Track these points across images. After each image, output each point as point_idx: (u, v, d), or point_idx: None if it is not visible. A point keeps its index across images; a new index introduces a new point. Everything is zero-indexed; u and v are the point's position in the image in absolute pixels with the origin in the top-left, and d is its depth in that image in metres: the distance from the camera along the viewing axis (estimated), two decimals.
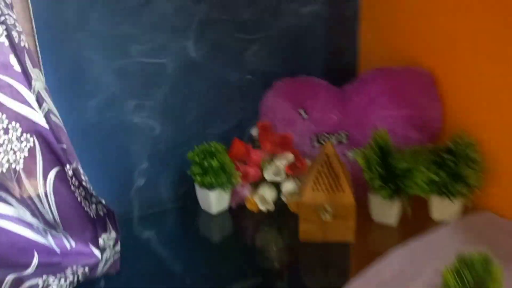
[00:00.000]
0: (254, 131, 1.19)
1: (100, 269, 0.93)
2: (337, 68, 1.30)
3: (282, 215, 1.10)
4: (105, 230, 0.99)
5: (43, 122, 0.88)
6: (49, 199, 0.90)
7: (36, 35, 0.95)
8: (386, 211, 1.03)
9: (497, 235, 0.95)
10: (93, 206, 0.96)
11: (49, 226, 0.91)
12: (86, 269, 0.90)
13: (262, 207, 1.11)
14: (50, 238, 0.91)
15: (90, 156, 1.04)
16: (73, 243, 0.93)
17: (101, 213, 0.98)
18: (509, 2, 0.94)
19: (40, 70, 0.90)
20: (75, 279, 0.89)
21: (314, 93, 1.18)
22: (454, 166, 0.99)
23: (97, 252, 0.94)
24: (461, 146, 1.01)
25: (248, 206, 1.13)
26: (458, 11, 1.06)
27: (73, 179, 0.92)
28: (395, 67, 1.17)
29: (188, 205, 1.17)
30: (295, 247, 1.00)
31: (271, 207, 1.11)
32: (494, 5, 0.97)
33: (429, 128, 1.12)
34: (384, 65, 1.20)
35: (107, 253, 0.97)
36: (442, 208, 1.03)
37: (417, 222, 1.03)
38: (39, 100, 0.87)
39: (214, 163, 1.06)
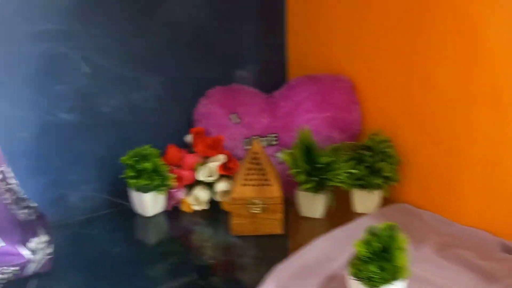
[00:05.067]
0: (188, 138, 1.24)
1: (31, 269, 0.92)
2: (266, 77, 1.39)
3: (216, 214, 1.14)
4: (35, 234, 0.98)
5: None
6: None
7: None
8: (312, 205, 1.10)
9: (411, 221, 1.04)
10: (24, 210, 0.96)
11: None
12: (17, 267, 0.90)
13: (197, 207, 1.15)
14: None
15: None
16: (1, 243, 0.92)
17: (33, 217, 0.98)
18: (419, 18, 1.07)
19: None
20: (3, 276, 0.88)
21: (245, 99, 1.26)
22: (371, 161, 1.08)
23: (25, 252, 0.94)
24: (377, 142, 1.10)
25: (183, 208, 1.16)
26: (374, 25, 1.18)
27: (1, 183, 0.92)
28: (319, 74, 1.27)
29: (123, 210, 1.19)
30: (229, 243, 1.04)
31: (205, 206, 1.15)
32: (405, 22, 1.10)
33: (350, 129, 1.22)
34: (309, 73, 1.30)
35: (39, 255, 0.96)
36: (363, 200, 1.11)
37: (341, 214, 1.11)
38: None
39: (148, 165, 1.09)
